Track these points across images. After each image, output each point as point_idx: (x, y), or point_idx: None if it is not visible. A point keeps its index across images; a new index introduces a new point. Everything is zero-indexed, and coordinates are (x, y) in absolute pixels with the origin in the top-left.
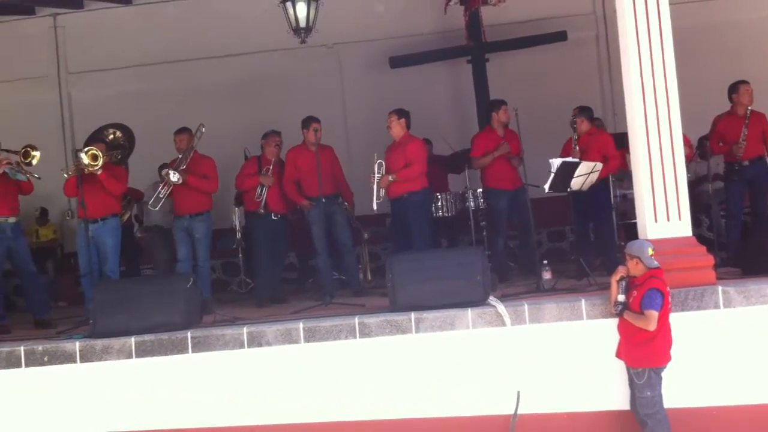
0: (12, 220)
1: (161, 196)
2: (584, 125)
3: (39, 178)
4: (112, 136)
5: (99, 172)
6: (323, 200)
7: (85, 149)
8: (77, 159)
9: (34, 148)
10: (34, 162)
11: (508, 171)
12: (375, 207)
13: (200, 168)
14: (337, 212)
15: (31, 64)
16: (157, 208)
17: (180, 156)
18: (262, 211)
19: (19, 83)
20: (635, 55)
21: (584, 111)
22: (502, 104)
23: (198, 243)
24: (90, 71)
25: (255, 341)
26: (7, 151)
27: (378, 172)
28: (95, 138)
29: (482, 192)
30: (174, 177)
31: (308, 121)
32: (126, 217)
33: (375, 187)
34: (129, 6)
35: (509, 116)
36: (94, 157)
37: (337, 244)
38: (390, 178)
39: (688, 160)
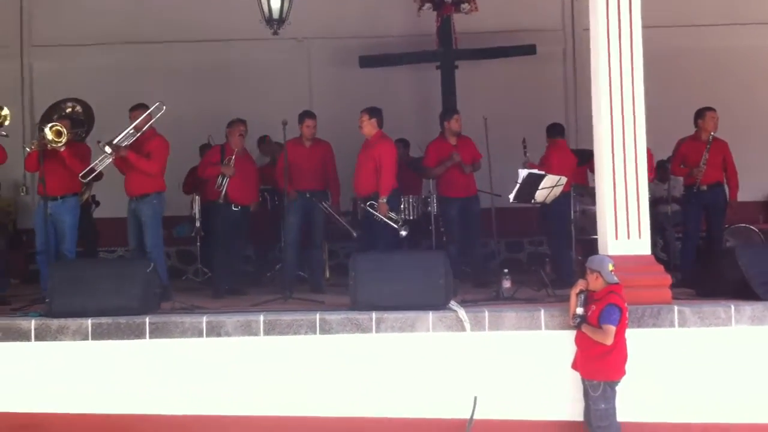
0: None
1: (96, 169)
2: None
3: (6, 135)
4: (70, 110)
5: (62, 149)
6: (306, 194)
7: (50, 125)
8: (41, 134)
9: (1, 107)
10: (7, 122)
11: (459, 179)
12: (403, 233)
13: (148, 147)
14: (318, 209)
15: None
16: (86, 181)
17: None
18: (221, 200)
19: None
20: (605, 73)
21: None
22: (454, 113)
23: (145, 227)
24: (53, 45)
25: (214, 331)
26: None
27: (375, 211)
28: (53, 110)
29: (436, 199)
30: (107, 149)
31: (301, 117)
32: (85, 197)
33: (385, 219)
34: None
35: (461, 125)
36: (59, 134)
37: (308, 240)
38: (383, 201)
39: (650, 179)
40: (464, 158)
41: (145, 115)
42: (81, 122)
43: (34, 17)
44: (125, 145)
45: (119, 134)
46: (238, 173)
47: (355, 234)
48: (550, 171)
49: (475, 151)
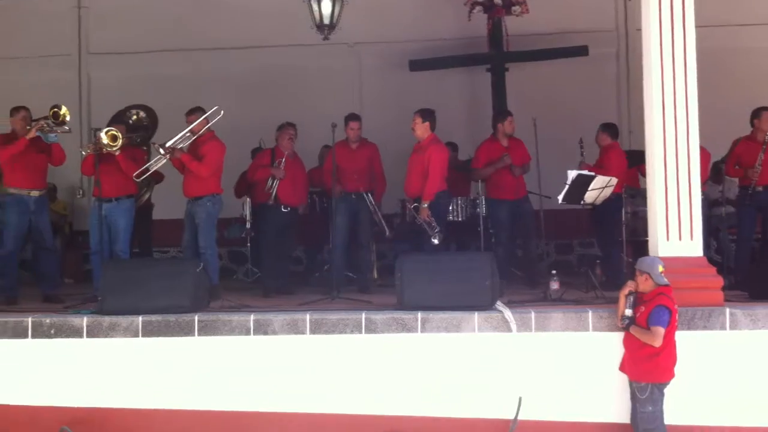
0: (35, 193)
1: (150, 169)
2: (603, 140)
3: (70, 130)
4: (135, 117)
5: (117, 153)
6: (353, 196)
7: (105, 129)
8: (96, 138)
9: (60, 106)
10: (67, 118)
11: (509, 181)
12: (435, 242)
13: (203, 150)
14: (364, 210)
15: (52, 42)
16: (140, 180)
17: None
18: (271, 202)
19: (39, 60)
20: (658, 73)
21: (606, 128)
22: (508, 115)
23: (198, 228)
24: (111, 53)
25: (261, 329)
26: (36, 120)
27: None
28: (119, 117)
29: (485, 201)
30: (161, 150)
31: (346, 119)
32: (145, 198)
33: (424, 223)
34: None
35: (514, 127)
36: (114, 138)
37: (355, 241)
38: (424, 205)
39: (703, 180)
40: (514, 160)
41: (201, 118)
42: (146, 128)
43: (92, 26)
44: (180, 147)
45: (175, 137)
46: (288, 175)
47: (388, 232)
48: (609, 173)
49: (525, 153)
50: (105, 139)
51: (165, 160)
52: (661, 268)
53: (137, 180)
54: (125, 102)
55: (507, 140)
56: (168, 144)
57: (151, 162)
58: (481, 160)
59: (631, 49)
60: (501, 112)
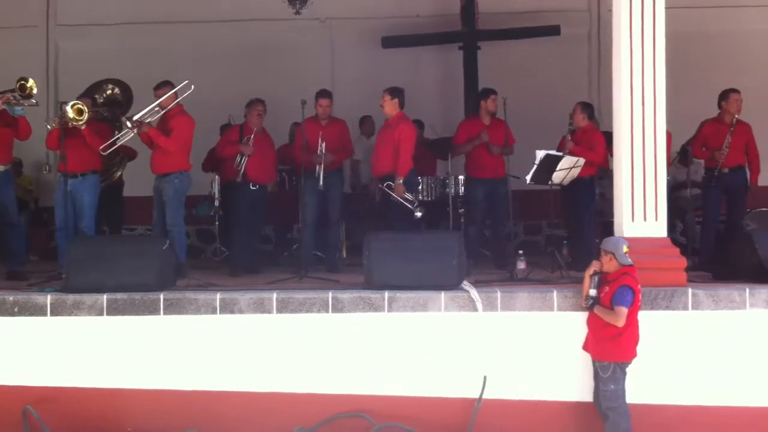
0: (0, 168)
1: (116, 143)
2: (581, 120)
3: (37, 104)
4: (110, 92)
5: (83, 127)
6: (322, 173)
7: (71, 103)
8: (62, 112)
9: (27, 79)
10: (34, 91)
11: (487, 160)
12: (417, 215)
13: (171, 124)
14: (333, 187)
15: (20, 12)
16: (109, 155)
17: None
18: (240, 179)
19: (5, 31)
20: (627, 54)
21: (586, 107)
22: (491, 93)
23: (166, 205)
24: (80, 25)
25: (227, 308)
26: (2, 92)
27: (392, 191)
28: (92, 91)
29: (463, 180)
30: (128, 124)
31: (316, 96)
32: (117, 175)
33: (401, 199)
34: None
35: (497, 106)
36: (79, 112)
37: (324, 218)
38: (399, 181)
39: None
40: (495, 140)
41: (170, 93)
42: (120, 104)
43: None
44: (148, 122)
45: (143, 110)
46: (257, 152)
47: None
48: (600, 157)
49: (508, 134)
50: (71, 113)
51: (132, 134)
52: (625, 249)
53: (104, 154)
54: (94, 75)
55: (489, 119)
56: (135, 117)
57: (118, 136)
58: (461, 136)
59: (603, 30)
60: (484, 90)
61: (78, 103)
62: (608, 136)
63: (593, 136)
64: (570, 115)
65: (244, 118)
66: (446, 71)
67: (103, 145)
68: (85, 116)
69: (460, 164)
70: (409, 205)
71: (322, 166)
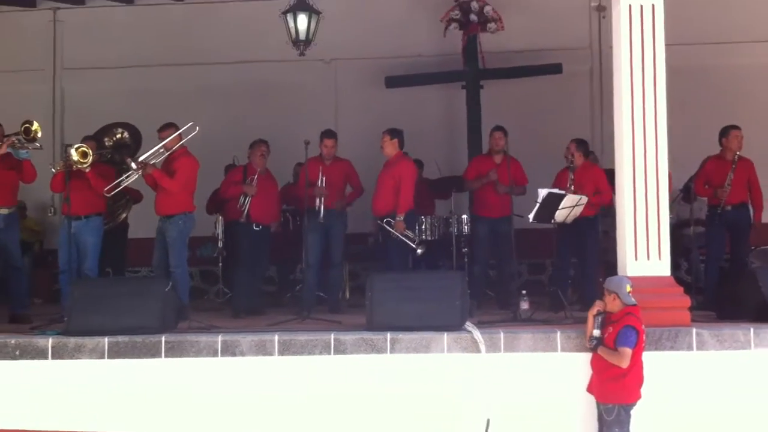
0: (5, 210)
1: (121, 185)
2: (579, 158)
3: (41, 147)
4: (119, 135)
5: (87, 170)
6: (323, 212)
7: (76, 146)
8: (67, 154)
9: (32, 122)
10: (39, 134)
11: (493, 199)
12: (419, 251)
13: (175, 165)
14: (336, 226)
15: (27, 56)
16: (114, 197)
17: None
18: (243, 220)
19: (12, 74)
20: (628, 92)
21: (581, 144)
22: (495, 130)
23: (169, 246)
24: (85, 68)
25: (229, 350)
26: (8, 135)
27: (392, 228)
28: (101, 135)
29: (467, 218)
30: (132, 165)
31: (322, 136)
32: (122, 217)
33: (402, 237)
34: (130, 6)
35: (502, 143)
36: (84, 154)
37: (327, 259)
38: (399, 218)
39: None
40: (503, 179)
41: (175, 135)
42: (128, 146)
43: (67, 41)
44: (153, 163)
45: (147, 152)
46: (260, 193)
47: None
48: (609, 197)
49: (521, 175)
50: (75, 156)
51: (137, 176)
52: (629, 288)
53: (109, 195)
54: (99, 117)
55: (500, 157)
56: (140, 159)
57: (123, 177)
58: (470, 172)
59: (604, 68)
60: (495, 127)
61: (83, 146)
62: (610, 173)
63: (594, 174)
64: (565, 154)
65: (247, 159)
66: (450, 109)
67: (107, 187)
68: (90, 159)
69: (459, 204)
70: (410, 243)
71: (322, 200)
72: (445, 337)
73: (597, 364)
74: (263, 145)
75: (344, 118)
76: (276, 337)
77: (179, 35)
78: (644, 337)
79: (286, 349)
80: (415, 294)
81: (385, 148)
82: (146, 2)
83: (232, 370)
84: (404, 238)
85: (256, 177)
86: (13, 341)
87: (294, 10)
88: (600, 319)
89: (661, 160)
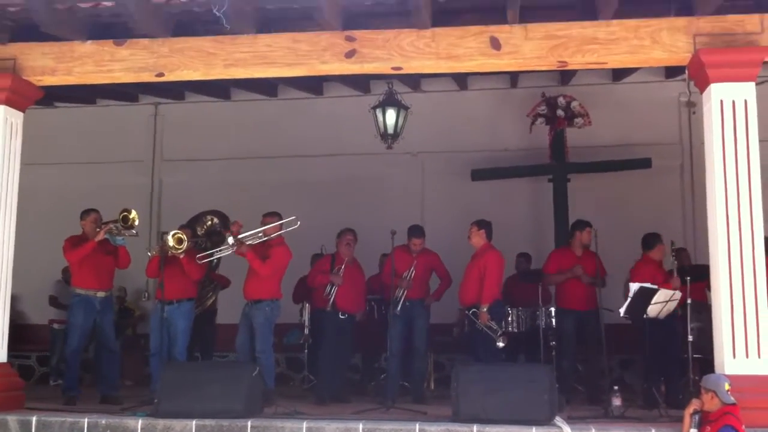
0: (101, 294)
1: (215, 256)
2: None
3: (137, 234)
4: (209, 222)
5: (181, 256)
6: (407, 303)
7: (172, 233)
8: (163, 241)
9: (130, 210)
10: (136, 222)
11: (579, 292)
12: (500, 344)
13: (270, 252)
14: (420, 316)
15: (128, 148)
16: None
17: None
18: (329, 308)
19: (114, 165)
20: (721, 189)
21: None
22: (587, 225)
23: (256, 331)
24: (183, 160)
25: None
26: (106, 222)
27: (478, 319)
28: (193, 223)
29: (554, 311)
30: (230, 239)
31: (410, 234)
32: (210, 302)
33: (487, 329)
34: (228, 101)
35: (591, 238)
36: (179, 241)
37: (411, 349)
38: (483, 309)
39: None
40: (587, 271)
41: (276, 224)
42: (218, 233)
43: (167, 134)
44: (248, 244)
45: (247, 232)
46: (347, 282)
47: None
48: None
49: (601, 266)
50: (171, 242)
51: (230, 251)
52: (727, 386)
53: (200, 262)
54: (195, 206)
55: (581, 251)
56: (239, 237)
57: (216, 250)
58: (552, 266)
59: (695, 163)
60: (580, 222)
61: (178, 233)
62: (704, 269)
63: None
64: (672, 251)
65: (336, 248)
66: (536, 203)
67: (199, 255)
68: (185, 245)
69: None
70: (493, 334)
71: (405, 292)
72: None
73: None
74: (349, 234)
75: (430, 209)
76: (361, 426)
77: (272, 130)
78: None
79: None
80: (501, 386)
81: (472, 237)
82: (242, 98)
83: None
84: (487, 330)
85: (343, 267)
86: (103, 421)
87: (383, 105)
88: (697, 417)
89: (758, 256)
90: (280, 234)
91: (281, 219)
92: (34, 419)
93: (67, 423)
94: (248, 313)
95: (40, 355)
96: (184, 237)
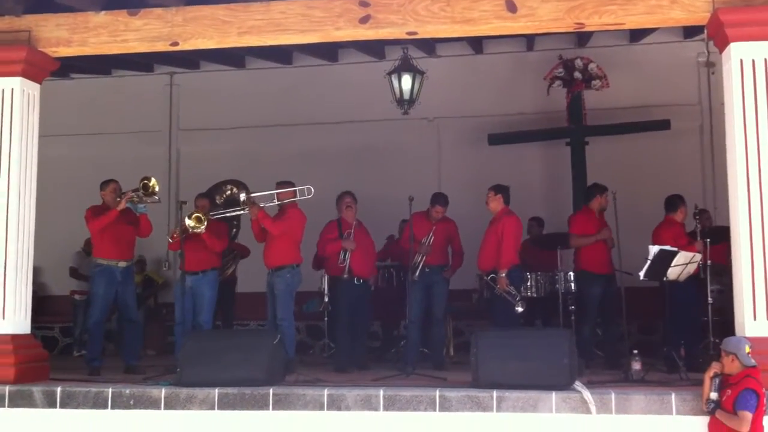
0: (122, 264)
1: (228, 214)
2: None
3: (159, 200)
4: (229, 192)
5: (202, 233)
6: (426, 270)
7: (189, 213)
8: (183, 224)
9: (150, 178)
10: (157, 188)
11: (606, 256)
12: (519, 309)
13: (284, 216)
14: (439, 283)
15: (144, 118)
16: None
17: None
18: (346, 276)
19: (131, 136)
20: (742, 149)
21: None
22: (605, 190)
23: (276, 299)
24: (200, 129)
25: (335, 404)
26: (125, 192)
27: (496, 285)
28: (212, 192)
29: (574, 275)
30: (242, 197)
31: (433, 201)
32: (230, 271)
33: (505, 294)
34: (243, 69)
35: (609, 202)
36: (198, 219)
37: (430, 315)
38: (502, 275)
39: None
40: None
41: (289, 190)
42: (238, 203)
43: (183, 103)
44: (262, 206)
45: (260, 192)
46: (358, 246)
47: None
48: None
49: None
50: (191, 223)
51: (242, 212)
52: (748, 349)
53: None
54: (212, 175)
55: (600, 215)
56: (252, 195)
57: (228, 211)
58: (579, 227)
59: (715, 124)
60: (599, 186)
61: (196, 212)
62: (725, 231)
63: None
64: (694, 214)
65: (338, 214)
66: (554, 167)
67: (214, 212)
68: (205, 223)
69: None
70: (511, 299)
71: (423, 258)
72: (554, 397)
73: (715, 428)
74: (348, 197)
75: (447, 175)
76: (381, 392)
77: (288, 97)
78: (765, 401)
79: (391, 405)
80: (521, 352)
81: (489, 203)
82: (257, 66)
83: (338, 424)
84: (506, 295)
85: (352, 231)
86: (128, 391)
87: (399, 71)
88: (717, 381)
89: None
90: (293, 201)
91: (295, 187)
92: (58, 390)
93: (92, 393)
94: (270, 281)
95: (63, 326)
96: (202, 215)
